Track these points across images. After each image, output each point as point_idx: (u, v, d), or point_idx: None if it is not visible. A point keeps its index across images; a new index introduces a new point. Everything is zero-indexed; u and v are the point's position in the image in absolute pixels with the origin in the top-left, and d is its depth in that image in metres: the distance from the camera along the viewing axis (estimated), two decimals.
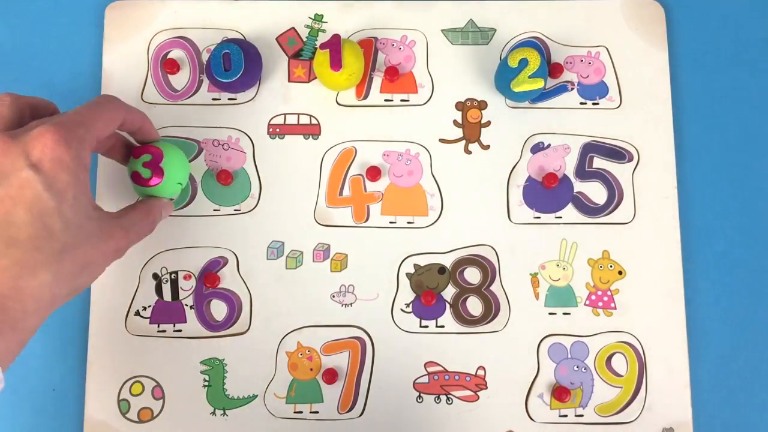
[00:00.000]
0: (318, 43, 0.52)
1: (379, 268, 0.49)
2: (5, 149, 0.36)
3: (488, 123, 0.51)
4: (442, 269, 0.50)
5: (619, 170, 0.51)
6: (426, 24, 0.52)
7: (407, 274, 0.50)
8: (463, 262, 0.50)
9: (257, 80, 0.51)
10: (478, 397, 0.48)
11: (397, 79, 0.51)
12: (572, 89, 0.52)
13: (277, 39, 0.52)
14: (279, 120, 0.51)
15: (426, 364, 0.48)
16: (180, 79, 0.52)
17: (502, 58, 0.52)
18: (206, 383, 0.48)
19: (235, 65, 0.48)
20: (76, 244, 0.37)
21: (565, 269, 0.50)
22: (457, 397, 0.48)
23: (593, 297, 0.49)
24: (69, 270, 0.37)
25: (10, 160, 0.36)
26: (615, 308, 0.49)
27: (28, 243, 0.35)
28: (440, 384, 0.48)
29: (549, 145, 0.51)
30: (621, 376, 0.49)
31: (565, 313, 0.49)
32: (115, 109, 0.41)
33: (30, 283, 0.35)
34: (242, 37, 0.52)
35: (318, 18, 0.52)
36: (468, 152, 0.51)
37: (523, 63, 0.47)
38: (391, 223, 0.50)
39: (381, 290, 0.49)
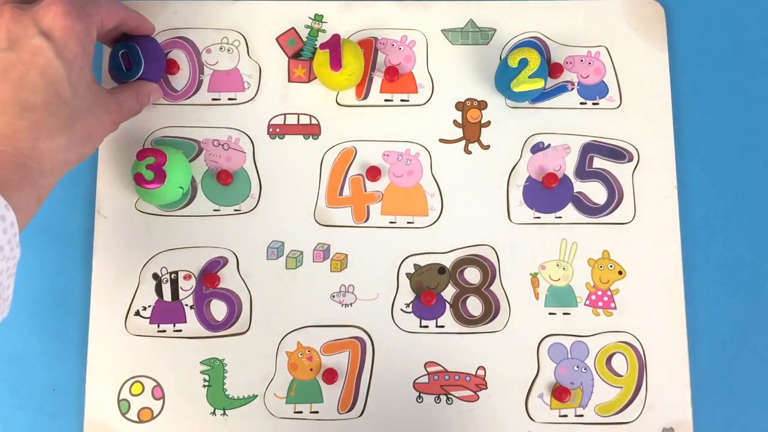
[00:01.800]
0: (318, 43, 0.52)
1: (379, 268, 0.49)
2: (16, 17, 0.38)
3: (488, 123, 0.51)
4: (442, 269, 0.50)
5: (619, 170, 0.51)
6: (426, 24, 0.52)
7: (407, 274, 0.50)
8: (463, 262, 0.50)
9: (161, 74, 0.50)
10: (478, 397, 0.48)
11: (397, 79, 0.51)
12: (572, 89, 0.52)
13: (277, 39, 0.52)
14: (279, 120, 0.51)
15: (426, 364, 0.48)
16: (180, 79, 0.52)
17: (502, 58, 0.52)
18: (206, 383, 0.48)
19: (135, 63, 0.48)
20: (83, 113, 0.39)
21: (565, 269, 0.50)
22: (457, 397, 0.48)
23: (593, 297, 0.49)
24: (79, 136, 0.39)
25: (21, 26, 0.37)
26: (615, 308, 0.49)
27: (44, 108, 0.37)
28: (440, 384, 0.48)
29: (549, 145, 0.51)
30: (621, 376, 0.49)
31: (565, 313, 0.49)
32: (116, 5, 0.44)
33: (47, 146, 0.37)
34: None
35: (318, 18, 0.52)
36: (468, 152, 0.51)
37: (523, 63, 0.47)
38: (391, 223, 0.50)
39: (381, 290, 0.49)
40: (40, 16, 0.38)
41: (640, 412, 0.48)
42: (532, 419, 0.48)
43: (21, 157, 0.36)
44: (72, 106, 0.38)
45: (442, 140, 0.51)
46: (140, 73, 0.48)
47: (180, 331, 0.49)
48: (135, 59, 0.48)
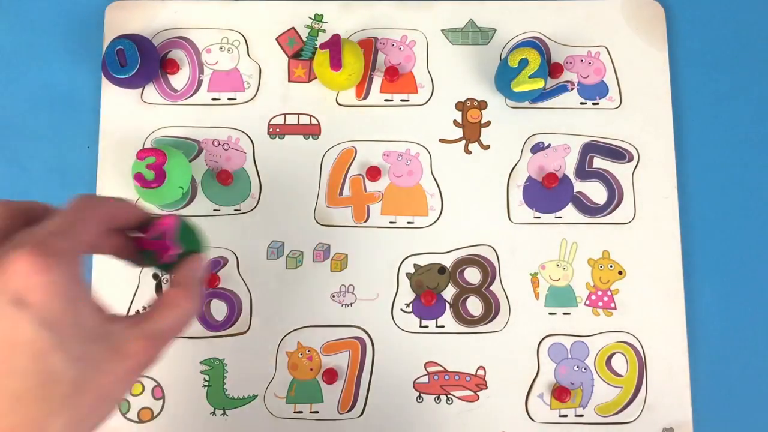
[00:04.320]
0: (318, 43, 0.52)
1: (379, 268, 0.49)
2: None
3: (488, 123, 0.51)
4: (442, 269, 0.50)
5: (619, 170, 0.51)
6: (426, 24, 0.52)
7: (407, 274, 0.50)
8: (463, 262, 0.50)
9: (157, 73, 0.51)
10: (478, 397, 0.48)
11: (397, 79, 0.51)
12: (572, 89, 0.52)
13: (277, 39, 0.52)
14: (279, 120, 0.51)
15: (426, 364, 0.48)
16: (180, 79, 0.52)
17: (502, 58, 0.52)
18: (206, 383, 0.48)
19: (130, 60, 0.48)
20: (86, 379, 0.31)
21: (565, 269, 0.50)
22: (457, 397, 0.48)
23: (593, 297, 0.49)
24: (84, 410, 0.32)
25: None
26: (615, 308, 0.49)
27: (33, 394, 0.30)
28: (440, 384, 0.48)
29: (549, 145, 0.51)
30: (621, 376, 0.49)
31: (565, 313, 0.49)
32: (95, 207, 0.35)
33: None
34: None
35: (318, 18, 0.52)
36: (468, 152, 0.51)
37: (523, 63, 0.47)
38: (391, 223, 0.50)
39: (381, 290, 0.49)
40: (6, 279, 0.29)
41: (640, 412, 0.48)
42: (532, 419, 0.48)
43: None
44: (67, 379, 0.30)
45: (442, 140, 0.51)
46: (136, 69, 0.48)
47: None
48: (131, 56, 0.48)
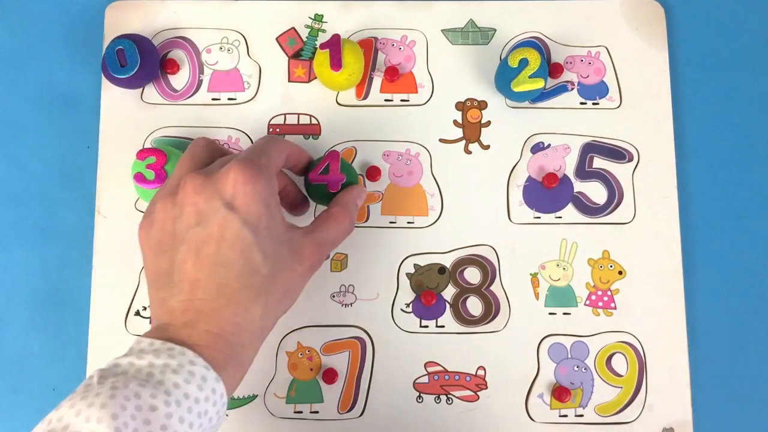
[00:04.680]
0: (318, 43, 0.52)
1: (379, 268, 0.49)
2: (199, 189, 0.37)
3: (488, 123, 0.51)
4: (442, 269, 0.50)
5: (619, 170, 0.51)
6: (426, 24, 0.52)
7: (407, 274, 0.50)
8: (463, 262, 0.50)
9: (157, 73, 0.51)
10: (478, 397, 0.48)
11: (397, 79, 0.51)
12: (572, 89, 0.52)
13: (277, 39, 0.52)
14: (279, 120, 0.51)
15: (426, 364, 0.48)
16: (180, 79, 0.52)
17: (502, 58, 0.52)
18: None
19: (130, 60, 0.48)
20: (276, 273, 0.38)
21: (565, 269, 0.50)
22: (457, 397, 0.48)
23: (593, 297, 0.49)
24: (274, 300, 0.38)
25: (205, 199, 0.37)
26: (615, 308, 0.49)
27: (237, 281, 0.36)
28: (440, 384, 0.48)
29: (549, 145, 0.51)
30: (621, 376, 0.49)
31: (565, 313, 0.49)
32: (282, 141, 0.43)
33: (244, 320, 0.37)
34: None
35: (318, 18, 0.52)
36: (468, 152, 0.51)
37: (523, 63, 0.47)
38: (391, 223, 0.50)
39: (381, 290, 0.49)
40: (222, 186, 0.37)
41: (640, 412, 0.48)
42: (532, 419, 0.48)
43: (225, 335, 0.36)
44: (264, 272, 0.37)
45: (442, 140, 0.51)
46: (136, 69, 0.48)
47: None
48: (131, 56, 0.48)
